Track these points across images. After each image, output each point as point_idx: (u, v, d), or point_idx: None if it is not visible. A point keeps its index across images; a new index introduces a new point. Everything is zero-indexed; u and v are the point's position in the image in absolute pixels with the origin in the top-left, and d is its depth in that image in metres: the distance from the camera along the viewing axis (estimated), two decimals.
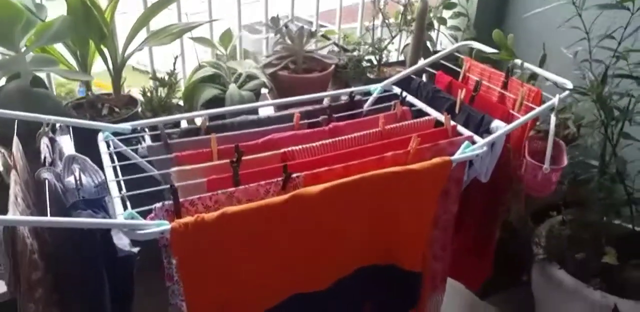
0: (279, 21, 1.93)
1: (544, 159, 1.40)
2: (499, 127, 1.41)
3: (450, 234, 1.47)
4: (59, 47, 1.67)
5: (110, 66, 1.68)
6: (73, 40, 1.61)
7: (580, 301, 1.56)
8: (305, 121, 1.45)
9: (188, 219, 0.99)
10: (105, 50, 1.65)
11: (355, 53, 2.09)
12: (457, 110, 1.54)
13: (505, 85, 1.61)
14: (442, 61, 1.79)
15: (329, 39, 2.10)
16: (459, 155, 1.30)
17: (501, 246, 1.70)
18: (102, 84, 2.09)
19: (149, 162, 1.34)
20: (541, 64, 1.66)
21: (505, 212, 1.67)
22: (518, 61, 1.62)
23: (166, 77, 1.71)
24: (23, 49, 1.51)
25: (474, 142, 1.36)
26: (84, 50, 1.64)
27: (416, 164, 1.22)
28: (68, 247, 1.02)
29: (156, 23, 1.77)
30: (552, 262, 1.66)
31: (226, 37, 1.84)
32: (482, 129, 1.46)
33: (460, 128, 1.43)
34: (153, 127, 1.49)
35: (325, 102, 1.94)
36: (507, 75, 1.60)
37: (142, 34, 1.72)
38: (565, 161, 1.43)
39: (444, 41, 2.58)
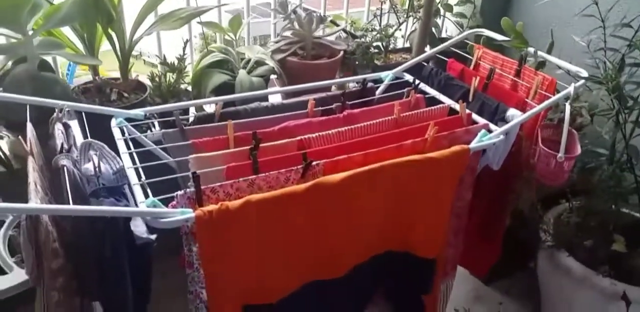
0: (287, 6, 1.90)
1: (555, 147, 1.40)
2: (515, 115, 1.40)
3: (464, 222, 1.47)
4: (65, 31, 1.63)
5: (118, 50, 1.65)
6: (81, 24, 1.58)
7: (588, 288, 1.58)
8: (319, 108, 1.44)
9: (212, 207, 0.98)
10: (113, 34, 1.62)
11: (363, 39, 2.07)
12: (470, 98, 1.54)
13: (518, 74, 1.60)
14: (453, 48, 1.78)
15: (337, 24, 2.08)
16: (476, 143, 1.29)
17: (511, 233, 1.71)
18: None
19: (162, 149, 1.33)
20: (549, 52, 1.65)
21: (516, 200, 1.67)
22: (531, 49, 1.61)
23: (175, 62, 1.68)
24: (30, 32, 1.47)
25: (489, 131, 1.36)
26: (91, 34, 1.61)
27: (435, 152, 1.21)
28: (89, 236, 1.00)
29: (163, 7, 1.74)
30: (561, 250, 1.67)
31: (235, 22, 1.81)
32: (497, 117, 1.46)
33: (474, 116, 1.42)
34: (162, 114, 1.47)
35: (334, 89, 1.93)
36: (521, 63, 1.59)
37: (150, 19, 1.69)
38: (578, 150, 1.43)
39: (449, 28, 2.56)
